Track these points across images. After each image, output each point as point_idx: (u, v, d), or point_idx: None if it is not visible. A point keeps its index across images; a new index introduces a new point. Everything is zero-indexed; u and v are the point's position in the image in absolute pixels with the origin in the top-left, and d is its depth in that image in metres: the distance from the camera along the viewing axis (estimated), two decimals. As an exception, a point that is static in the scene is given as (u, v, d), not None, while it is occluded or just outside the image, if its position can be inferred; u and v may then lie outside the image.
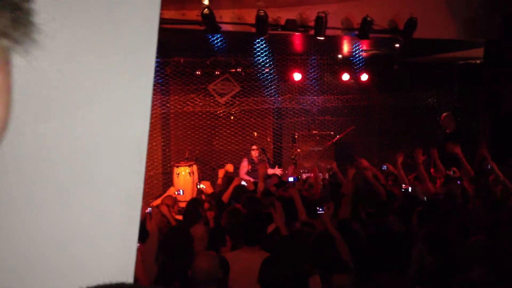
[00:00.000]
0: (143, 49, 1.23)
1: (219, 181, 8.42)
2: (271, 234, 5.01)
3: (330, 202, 5.22)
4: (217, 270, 3.43)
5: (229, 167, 8.42)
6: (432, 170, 9.18)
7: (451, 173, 7.68)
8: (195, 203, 6.08)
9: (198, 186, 7.93)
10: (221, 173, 7.96)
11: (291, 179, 7.72)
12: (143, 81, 1.24)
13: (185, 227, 4.97)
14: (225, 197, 6.74)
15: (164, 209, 5.82)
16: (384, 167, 8.56)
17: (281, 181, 7.88)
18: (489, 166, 7.10)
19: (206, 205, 6.36)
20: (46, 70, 1.17)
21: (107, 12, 1.20)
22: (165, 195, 7.43)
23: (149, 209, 4.93)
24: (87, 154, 1.23)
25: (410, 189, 6.53)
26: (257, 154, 9.64)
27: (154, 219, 4.33)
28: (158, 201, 7.10)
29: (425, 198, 6.26)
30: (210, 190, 7.70)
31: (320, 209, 5.41)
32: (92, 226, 1.24)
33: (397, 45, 9.87)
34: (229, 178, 7.67)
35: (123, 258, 1.26)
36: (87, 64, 1.20)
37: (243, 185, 7.02)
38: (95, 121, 1.22)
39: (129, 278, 1.24)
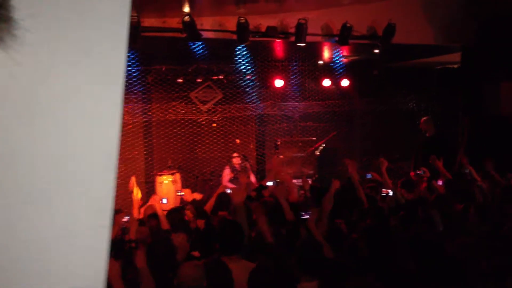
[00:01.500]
0: (113, 55, 1.24)
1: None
2: (254, 241, 5.02)
3: (314, 208, 5.19)
4: (202, 279, 3.42)
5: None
6: (412, 174, 9.28)
7: (421, 173, 7.77)
8: (176, 212, 6.06)
9: (178, 194, 7.89)
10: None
11: (269, 183, 7.72)
12: (113, 88, 1.25)
13: (168, 237, 4.94)
14: (209, 205, 6.73)
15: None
16: (369, 175, 8.60)
17: (260, 186, 7.88)
18: (467, 170, 7.20)
19: (188, 213, 6.34)
20: (15, 75, 1.17)
21: (76, 17, 1.20)
22: (148, 204, 7.37)
23: (126, 218, 4.88)
24: (55, 162, 1.22)
25: (391, 193, 6.57)
26: (239, 162, 9.63)
27: (135, 230, 4.20)
28: (140, 210, 7.05)
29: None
30: (190, 197, 7.67)
31: (306, 215, 5.38)
32: (61, 235, 1.23)
33: (377, 51, 9.98)
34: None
35: (93, 268, 1.26)
36: (56, 70, 1.20)
37: (227, 192, 7.00)
38: (64, 129, 1.22)
39: (100, 287, 1.25)
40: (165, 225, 5.67)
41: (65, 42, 1.20)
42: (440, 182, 7.85)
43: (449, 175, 7.21)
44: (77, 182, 1.25)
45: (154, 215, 5.91)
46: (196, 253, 5.04)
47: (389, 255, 3.71)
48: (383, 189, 6.74)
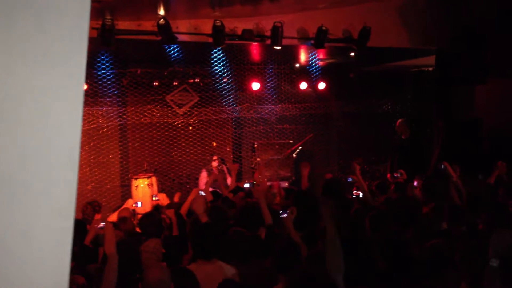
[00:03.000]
0: (73, 58, 1.22)
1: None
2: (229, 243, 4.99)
3: (293, 207, 5.16)
4: (168, 283, 3.38)
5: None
6: (388, 175, 9.38)
7: (398, 175, 7.85)
8: (151, 216, 6.00)
9: (153, 198, 7.82)
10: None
11: (246, 185, 7.72)
12: (74, 90, 1.23)
13: (132, 241, 4.88)
14: (184, 209, 6.68)
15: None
16: (350, 179, 8.65)
17: (237, 188, 7.87)
18: (442, 166, 7.23)
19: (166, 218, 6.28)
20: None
21: (34, 16, 1.18)
22: (122, 207, 7.31)
23: (102, 224, 4.80)
24: (17, 164, 1.20)
25: (361, 195, 6.61)
26: (216, 165, 9.61)
27: (111, 240, 4.13)
28: (115, 214, 6.98)
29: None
30: (165, 202, 7.62)
31: (284, 214, 5.36)
32: (24, 238, 1.21)
33: (352, 54, 10.06)
34: None
35: (57, 270, 1.24)
36: (16, 73, 1.18)
37: (202, 196, 6.97)
38: (24, 129, 1.20)
39: (63, 290, 1.22)
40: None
41: (23, 42, 1.18)
42: (415, 183, 7.95)
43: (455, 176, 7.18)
44: (38, 183, 1.23)
45: (125, 219, 5.85)
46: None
47: (357, 256, 3.72)
48: (354, 191, 6.79)
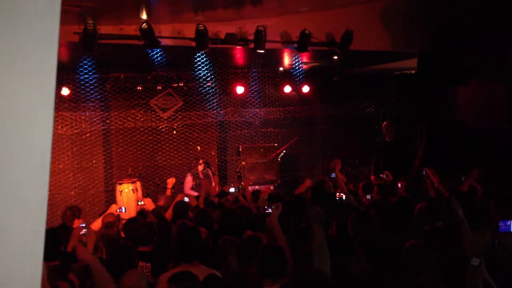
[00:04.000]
0: (43, 60, 1.21)
1: (168, 192, 8.41)
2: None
3: (278, 203, 5.16)
4: None
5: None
6: (372, 177, 9.43)
7: (384, 176, 7.91)
8: (133, 223, 5.97)
9: (139, 203, 7.78)
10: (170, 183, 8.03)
11: (232, 189, 7.71)
12: (44, 90, 1.22)
13: (130, 246, 4.86)
14: (168, 213, 6.66)
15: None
16: (333, 175, 8.71)
17: (222, 192, 7.87)
18: (423, 172, 7.34)
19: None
20: None
21: (4, 23, 1.17)
22: (106, 213, 7.25)
23: (84, 231, 4.77)
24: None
25: (344, 197, 6.65)
26: (201, 169, 9.58)
27: (88, 247, 4.08)
28: (98, 220, 6.93)
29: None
30: (151, 206, 7.58)
31: (269, 209, 5.36)
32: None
33: (336, 57, 10.12)
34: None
35: (28, 275, 1.23)
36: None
37: (185, 201, 6.96)
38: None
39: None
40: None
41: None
42: (399, 185, 8.02)
43: (436, 180, 7.22)
44: (9, 186, 1.22)
45: (110, 224, 5.82)
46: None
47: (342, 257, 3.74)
48: (338, 193, 6.81)
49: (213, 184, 9.19)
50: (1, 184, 1.21)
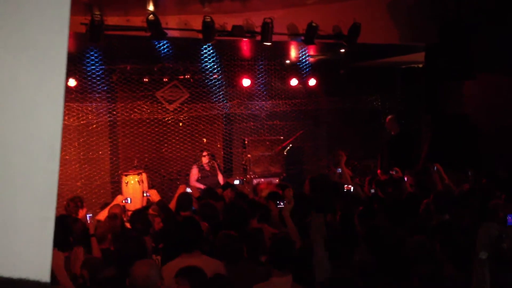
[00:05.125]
0: (53, 47, 1.21)
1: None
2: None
3: (291, 198, 5.17)
4: (156, 278, 3.36)
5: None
6: (379, 171, 9.42)
7: (394, 173, 7.88)
8: (141, 212, 5.99)
9: (144, 194, 7.80)
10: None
11: (236, 181, 7.73)
12: (54, 77, 1.22)
13: (139, 236, 4.88)
14: (172, 205, 6.69)
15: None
16: (339, 170, 8.71)
17: (226, 184, 7.88)
18: (435, 168, 7.25)
19: (152, 212, 6.28)
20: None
21: (14, 8, 1.17)
22: (112, 203, 7.27)
23: (88, 216, 4.80)
24: (-3, 154, 1.19)
25: (352, 189, 6.64)
26: (207, 161, 9.59)
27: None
28: (105, 211, 6.95)
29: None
30: (156, 198, 7.60)
31: (281, 204, 5.38)
32: (4, 228, 1.20)
33: (343, 50, 10.08)
34: None
35: (37, 261, 1.23)
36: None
37: (188, 192, 6.98)
38: (5, 120, 1.19)
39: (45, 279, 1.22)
40: None
41: (1, 29, 1.17)
42: (405, 179, 7.99)
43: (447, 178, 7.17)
44: (19, 173, 1.22)
45: (115, 216, 5.84)
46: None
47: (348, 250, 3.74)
48: (345, 185, 6.80)
49: (220, 176, 9.21)
50: (11, 169, 1.21)
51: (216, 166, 9.64)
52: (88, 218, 4.94)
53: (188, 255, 4.18)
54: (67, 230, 4.67)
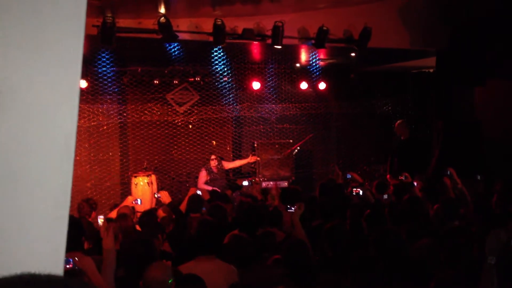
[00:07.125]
0: (70, 48, 1.23)
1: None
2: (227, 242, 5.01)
3: (301, 203, 5.17)
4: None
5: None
6: (388, 176, 9.39)
7: (403, 178, 7.86)
8: (150, 214, 6.02)
9: (155, 196, 7.85)
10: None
11: (245, 183, 7.75)
12: (70, 80, 1.24)
13: (148, 239, 4.89)
14: (183, 207, 6.72)
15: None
16: (348, 175, 8.70)
17: (235, 185, 7.91)
18: (448, 172, 7.20)
19: (161, 214, 6.31)
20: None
21: (32, 10, 1.20)
22: (122, 204, 7.32)
23: (100, 217, 4.82)
24: (13, 153, 1.22)
25: (361, 192, 6.63)
26: (215, 164, 9.62)
27: (111, 235, 4.14)
28: (114, 211, 7.00)
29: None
30: (167, 200, 7.64)
31: (291, 208, 5.37)
32: (19, 226, 1.23)
33: (353, 54, 10.07)
34: None
35: (52, 259, 1.25)
36: (12, 62, 1.20)
37: (199, 194, 7.00)
38: (21, 120, 1.22)
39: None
40: None
41: (19, 30, 1.19)
42: (415, 184, 7.97)
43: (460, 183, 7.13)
44: (35, 173, 1.25)
45: (124, 216, 5.86)
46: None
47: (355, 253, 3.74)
48: (354, 189, 6.80)
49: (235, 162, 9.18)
50: (27, 169, 1.23)
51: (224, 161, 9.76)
52: (99, 220, 4.96)
53: (205, 258, 4.19)
54: (80, 232, 4.69)
